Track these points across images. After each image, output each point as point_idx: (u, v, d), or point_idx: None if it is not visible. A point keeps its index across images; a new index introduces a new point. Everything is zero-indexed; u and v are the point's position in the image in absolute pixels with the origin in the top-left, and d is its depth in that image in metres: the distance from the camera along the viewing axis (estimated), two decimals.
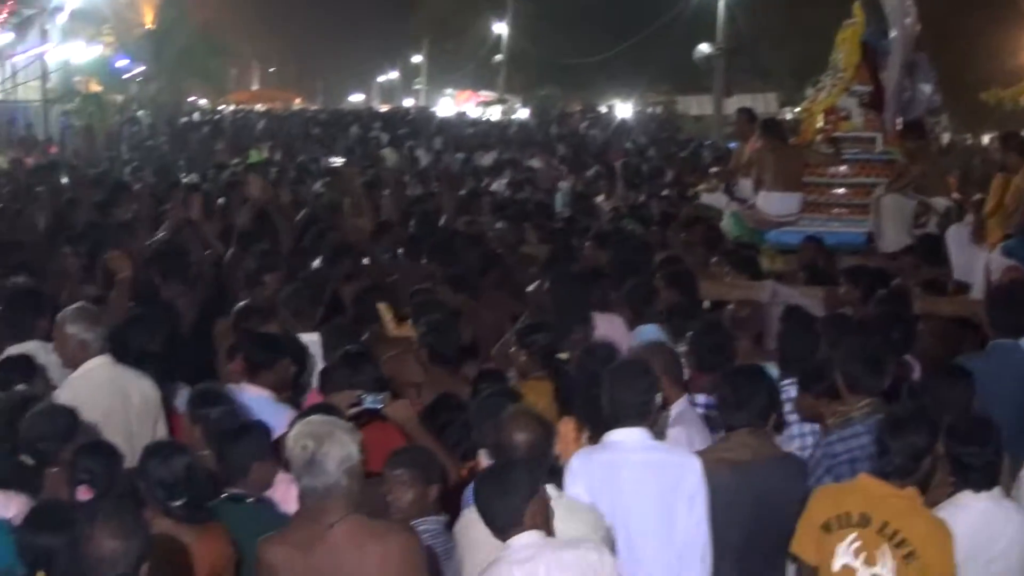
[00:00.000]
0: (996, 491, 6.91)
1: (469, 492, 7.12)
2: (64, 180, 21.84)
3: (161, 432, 8.27)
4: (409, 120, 53.64)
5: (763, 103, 50.68)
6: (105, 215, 15.64)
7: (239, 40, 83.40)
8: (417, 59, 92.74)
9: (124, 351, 9.10)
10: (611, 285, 11.34)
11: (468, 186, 22.82)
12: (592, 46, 62.01)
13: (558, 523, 6.17)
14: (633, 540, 6.79)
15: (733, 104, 44.07)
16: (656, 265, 12.38)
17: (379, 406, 7.58)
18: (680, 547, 6.88)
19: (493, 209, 18.47)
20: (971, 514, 6.77)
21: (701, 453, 7.15)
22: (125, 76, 57.35)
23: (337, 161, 29.49)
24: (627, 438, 6.97)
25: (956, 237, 13.78)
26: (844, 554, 6.57)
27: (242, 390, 8.82)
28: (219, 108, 64.74)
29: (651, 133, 47.84)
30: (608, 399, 7.11)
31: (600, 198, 21.71)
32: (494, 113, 68.02)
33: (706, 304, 11.98)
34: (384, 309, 10.66)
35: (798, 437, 8.41)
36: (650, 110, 66.26)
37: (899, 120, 15.86)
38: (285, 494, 7.24)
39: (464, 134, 43.56)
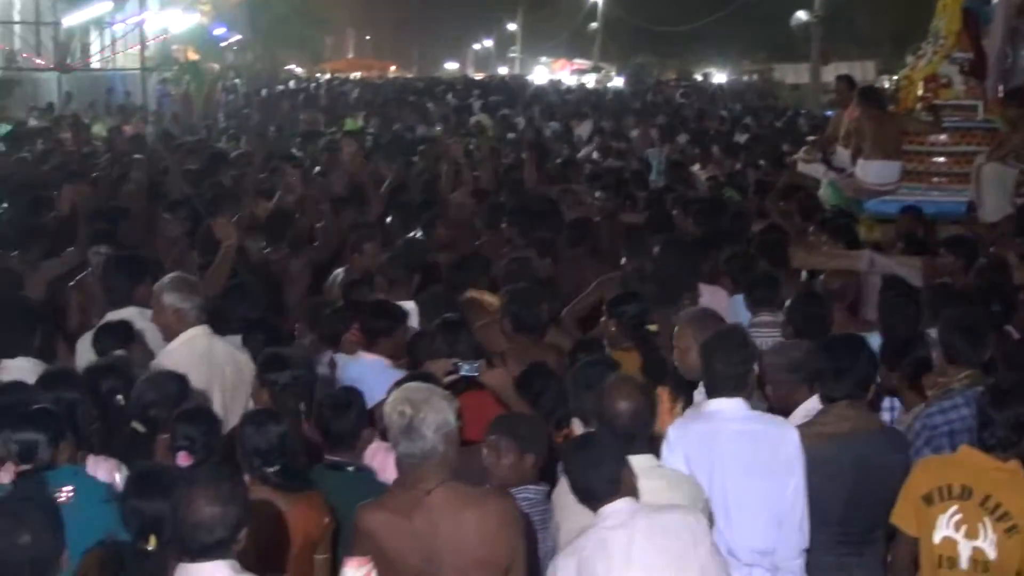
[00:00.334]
0: None
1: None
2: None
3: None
4: (504, 88, 53.51)
5: (861, 71, 50.15)
6: (203, 183, 15.77)
7: (334, 8, 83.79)
8: (512, 27, 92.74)
9: (225, 318, 9.20)
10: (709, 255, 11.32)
11: (564, 154, 22.80)
12: (687, 13, 61.72)
13: (658, 493, 6.15)
14: (731, 510, 6.76)
15: (830, 72, 43.80)
16: (754, 234, 12.33)
17: (475, 374, 7.58)
18: (778, 517, 6.85)
19: (590, 178, 18.43)
20: None
21: (801, 428, 7.10)
22: (222, 44, 57.78)
23: (433, 130, 29.47)
24: (724, 408, 6.94)
25: None
26: (945, 526, 6.50)
27: (358, 358, 8.88)
28: (317, 76, 64.98)
29: (747, 102, 47.53)
30: (705, 369, 7.09)
31: (696, 167, 21.63)
32: (588, 81, 67.79)
33: (803, 274, 11.92)
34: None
35: (888, 411, 8.36)
36: (746, 78, 65.86)
37: (1000, 88, 15.67)
38: (383, 463, 7.27)
39: (558, 102, 43.38)
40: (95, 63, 43.48)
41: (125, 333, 8.65)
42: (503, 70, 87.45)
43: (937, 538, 6.52)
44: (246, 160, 18.95)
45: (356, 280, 10.42)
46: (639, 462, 6.26)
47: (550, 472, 7.16)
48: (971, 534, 6.44)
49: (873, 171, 15.33)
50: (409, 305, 9.79)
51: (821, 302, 9.37)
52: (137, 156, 18.58)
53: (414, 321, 9.62)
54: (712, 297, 10.27)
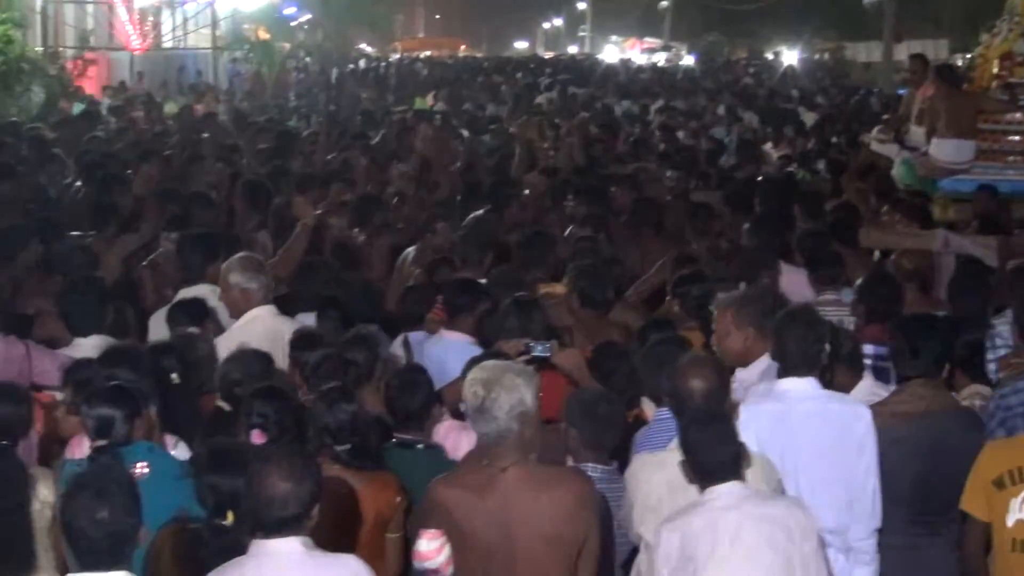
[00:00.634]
0: None
1: (639, 438, 7.15)
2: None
3: None
4: (574, 67, 53.41)
5: (933, 49, 49.72)
6: (274, 162, 15.86)
7: None
8: (582, 6, 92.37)
9: (299, 297, 9.26)
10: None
11: (637, 133, 22.77)
12: None
13: None
14: (802, 490, 6.73)
15: (903, 51, 43.43)
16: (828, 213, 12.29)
17: (547, 354, 7.56)
18: (850, 496, 6.84)
19: (661, 156, 18.41)
20: None
21: (875, 407, 7.06)
22: (292, 23, 57.91)
23: (503, 109, 29.46)
24: (796, 387, 6.91)
25: None
26: (1018, 510, 6.42)
27: (441, 337, 8.91)
28: (390, 55, 65.10)
29: (818, 80, 47.21)
30: (776, 348, 7.06)
31: (768, 145, 21.56)
32: (659, 60, 67.52)
33: (876, 254, 11.86)
34: None
35: None
36: (817, 57, 65.36)
37: None
38: (456, 442, 7.29)
39: (628, 81, 43.24)
40: (167, 43, 43.63)
41: (199, 311, 8.72)
42: (573, 49, 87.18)
43: (1010, 521, 6.44)
44: (315, 140, 19.04)
45: (439, 259, 10.42)
46: None
47: (620, 451, 7.17)
48: None
49: (947, 150, 15.16)
50: None
51: (893, 282, 9.32)
52: (207, 135, 18.70)
53: None
54: (790, 276, 10.24)
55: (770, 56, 66.09)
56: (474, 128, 22.99)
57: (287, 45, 53.81)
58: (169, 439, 7.01)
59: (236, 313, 8.68)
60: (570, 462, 6.88)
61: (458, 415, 7.71)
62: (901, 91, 24.38)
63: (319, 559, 5.43)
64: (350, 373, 7.77)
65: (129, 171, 15.03)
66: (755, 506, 5.95)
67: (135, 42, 39.35)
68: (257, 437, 6.58)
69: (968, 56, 23.78)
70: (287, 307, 9.54)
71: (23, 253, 10.29)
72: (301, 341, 7.97)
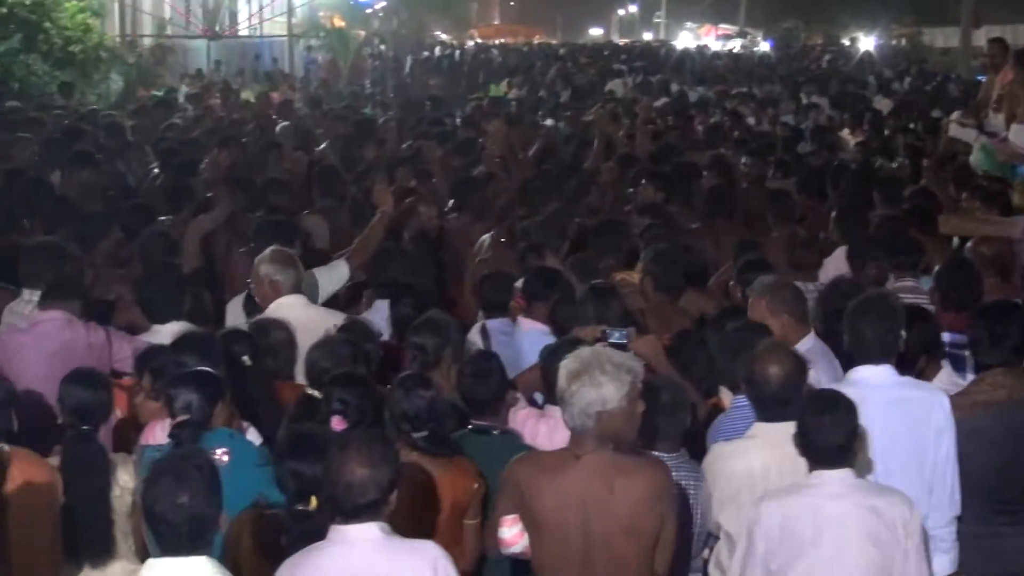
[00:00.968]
0: None
1: (715, 427, 7.12)
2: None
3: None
4: (648, 54, 53.25)
5: (1012, 34, 49.17)
6: (350, 149, 15.91)
7: None
8: None
9: (374, 283, 9.27)
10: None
11: (716, 118, 22.70)
12: None
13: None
14: (879, 477, 6.69)
15: (981, 36, 42.92)
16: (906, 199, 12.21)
17: (624, 341, 7.52)
18: (929, 483, 6.80)
19: (738, 143, 18.32)
20: None
21: (955, 397, 7.01)
22: (368, 11, 58.02)
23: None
24: (872, 375, 6.86)
25: None
26: None
27: (520, 324, 8.93)
28: (466, 43, 65.12)
29: (896, 66, 46.82)
30: (851, 336, 7.02)
31: (844, 132, 21.41)
32: (734, 47, 67.15)
33: (955, 241, 11.76)
34: None
35: None
36: (894, 43, 64.81)
37: None
38: (534, 429, 7.28)
39: (700, 68, 43.04)
40: (243, 31, 43.86)
41: None
42: (648, 36, 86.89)
43: None
44: (390, 127, 19.10)
45: (529, 246, 10.42)
46: (790, 428, 6.21)
47: (696, 440, 7.16)
48: None
49: None
50: None
51: (972, 269, 9.24)
52: (285, 123, 18.78)
53: None
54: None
55: (846, 42, 65.60)
56: (549, 114, 22.97)
57: (362, 33, 53.90)
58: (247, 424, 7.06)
59: (265, 303, 8.74)
60: None
61: (533, 403, 7.74)
62: (980, 77, 24.18)
63: (398, 545, 5.46)
64: (417, 359, 7.81)
65: (204, 158, 15.13)
66: (863, 497, 5.92)
67: (215, 26, 39.60)
68: (337, 423, 6.60)
69: None
70: (363, 294, 9.61)
71: (103, 241, 10.35)
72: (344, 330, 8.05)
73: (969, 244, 10.67)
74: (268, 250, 8.90)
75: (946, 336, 8.26)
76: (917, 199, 12.29)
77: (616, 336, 7.47)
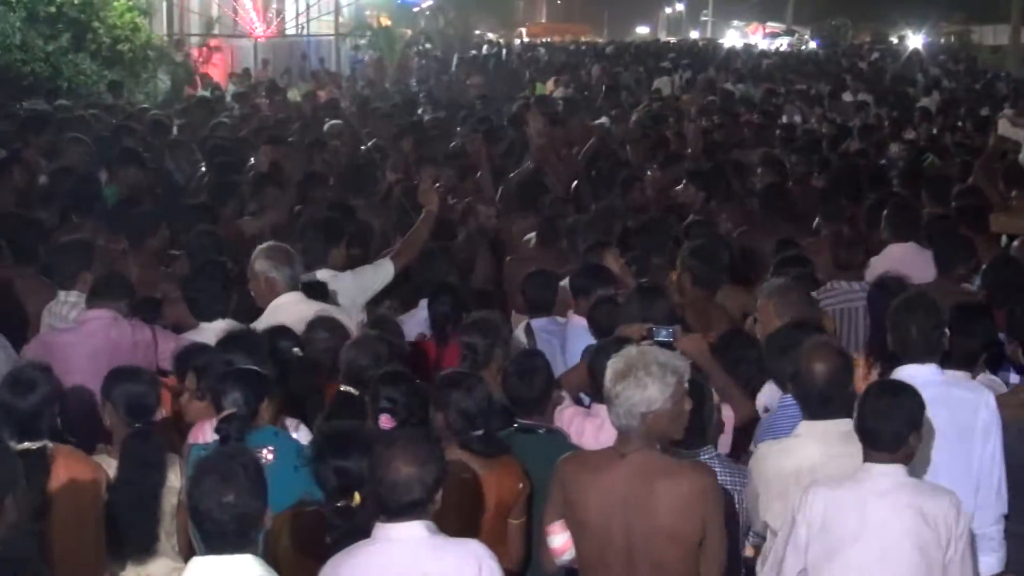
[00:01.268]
0: None
1: (762, 426, 7.09)
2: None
3: None
4: (695, 52, 53.18)
5: None
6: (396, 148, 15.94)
7: None
8: None
9: (416, 283, 9.28)
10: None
11: (763, 115, 22.65)
12: None
13: (858, 457, 6.04)
14: (927, 475, 6.66)
15: None
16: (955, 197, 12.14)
17: (670, 339, 7.48)
18: (976, 482, 6.78)
19: (785, 141, 18.26)
20: None
21: (1003, 396, 6.98)
22: (414, 9, 58.18)
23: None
24: (917, 374, 6.81)
25: None
26: None
27: (570, 319, 8.95)
28: (514, 41, 65.28)
29: (944, 64, 46.60)
30: (896, 335, 6.99)
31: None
32: (781, 45, 66.99)
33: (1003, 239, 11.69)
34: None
35: None
36: (943, 40, 64.51)
37: None
38: (580, 427, 7.26)
39: (746, 67, 42.92)
40: (290, 30, 43.98)
41: (318, 295, 8.78)
42: (694, 34, 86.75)
43: None
44: (437, 125, 19.10)
45: (598, 243, 10.40)
46: (838, 426, 6.21)
47: (742, 439, 7.13)
48: None
49: None
50: None
51: (1018, 267, 9.18)
52: (334, 122, 18.80)
53: None
54: (918, 259, 10.16)
55: (895, 40, 65.34)
56: (595, 113, 22.95)
57: (409, 31, 54.04)
58: (290, 422, 7.06)
59: (262, 301, 8.71)
60: None
61: (579, 401, 7.72)
62: None
63: (443, 543, 5.46)
64: (467, 359, 7.80)
65: (251, 156, 15.19)
66: (910, 497, 5.88)
67: (259, 29, 39.70)
68: (386, 422, 6.61)
69: None
70: (409, 294, 9.62)
71: (150, 239, 10.39)
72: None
73: (1016, 243, 10.61)
74: (263, 246, 8.88)
75: None
76: (966, 197, 12.21)
77: (663, 334, 7.44)
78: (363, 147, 17.00)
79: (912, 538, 5.82)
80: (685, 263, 9.53)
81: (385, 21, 50.63)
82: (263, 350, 7.31)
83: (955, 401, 6.84)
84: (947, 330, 7.00)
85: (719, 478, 6.27)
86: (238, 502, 4.97)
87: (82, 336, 8.35)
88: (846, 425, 6.27)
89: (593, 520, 5.95)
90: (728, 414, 7.33)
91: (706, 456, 6.73)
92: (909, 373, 6.84)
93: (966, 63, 47.13)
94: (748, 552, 6.77)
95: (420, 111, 23.28)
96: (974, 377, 7.28)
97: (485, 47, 56.45)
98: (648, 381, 5.82)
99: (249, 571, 5.06)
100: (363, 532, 5.53)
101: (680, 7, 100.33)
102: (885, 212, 10.91)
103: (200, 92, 27.81)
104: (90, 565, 6.49)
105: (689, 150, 16.51)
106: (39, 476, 6.18)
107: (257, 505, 5.04)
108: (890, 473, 5.90)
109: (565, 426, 7.31)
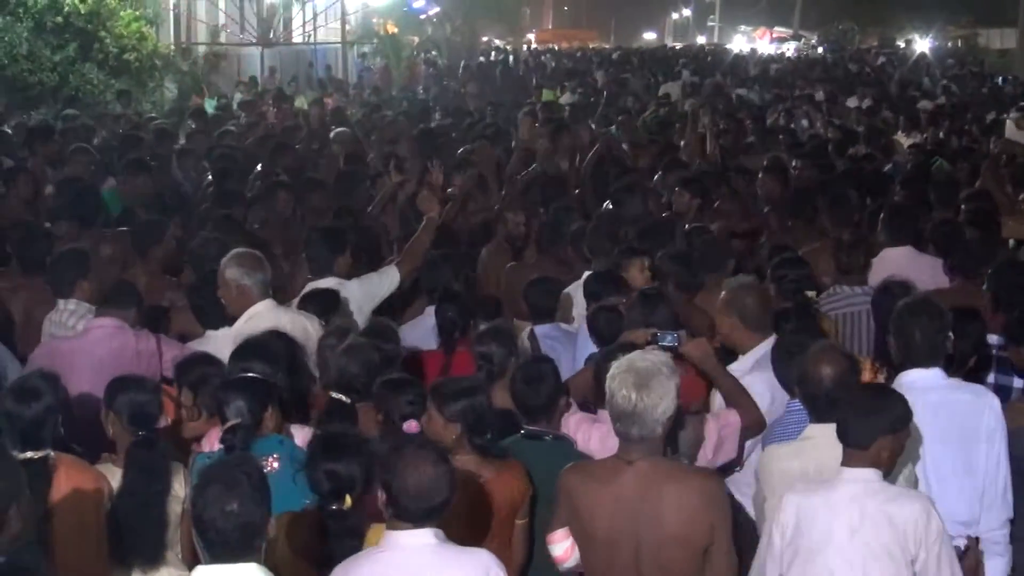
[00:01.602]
0: None
1: (768, 431, 7.08)
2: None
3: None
4: (703, 57, 53.20)
5: None
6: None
7: None
8: None
9: (429, 288, 9.29)
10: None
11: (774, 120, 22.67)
12: None
13: None
14: (931, 481, 6.70)
15: None
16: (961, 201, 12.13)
17: (675, 344, 7.46)
18: (981, 485, 6.78)
19: (790, 146, 18.21)
20: None
21: (1013, 403, 6.97)
22: (421, 17, 58.21)
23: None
24: (921, 378, 6.86)
25: None
26: None
27: (581, 326, 8.96)
28: (522, 47, 65.35)
29: (951, 68, 46.56)
30: (900, 340, 6.99)
31: (899, 134, 21.30)
32: (787, 50, 66.99)
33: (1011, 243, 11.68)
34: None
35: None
36: (950, 44, 64.47)
37: None
38: (587, 434, 7.24)
39: (752, 72, 42.93)
40: (296, 37, 44.03)
41: (329, 302, 8.77)
42: (701, 40, 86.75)
43: None
44: (444, 132, 19.11)
45: (626, 248, 10.40)
46: None
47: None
48: None
49: None
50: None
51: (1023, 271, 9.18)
52: (340, 129, 18.81)
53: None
54: (921, 264, 10.16)
55: (901, 44, 65.30)
56: (601, 120, 22.95)
57: (415, 39, 54.10)
58: (296, 429, 7.05)
59: (234, 309, 8.64)
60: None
61: (583, 406, 7.70)
62: None
63: (452, 552, 5.48)
64: (483, 369, 7.80)
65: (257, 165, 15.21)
66: (880, 503, 5.86)
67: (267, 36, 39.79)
68: (413, 427, 6.64)
69: None
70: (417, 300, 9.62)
71: (155, 247, 10.40)
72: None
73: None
74: (232, 253, 8.80)
75: (994, 338, 8.25)
76: (976, 201, 12.20)
77: (668, 339, 7.41)
78: (369, 155, 16.98)
79: (880, 544, 5.80)
80: (665, 267, 9.58)
81: (392, 29, 50.73)
82: (280, 358, 7.32)
83: (960, 405, 6.85)
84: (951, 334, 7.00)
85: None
86: (242, 511, 4.96)
87: (85, 345, 8.36)
88: None
89: (602, 529, 5.94)
90: (734, 419, 7.31)
91: None
92: (913, 377, 6.85)
93: (970, 67, 47.07)
94: None
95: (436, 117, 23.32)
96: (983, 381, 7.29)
97: (493, 54, 56.50)
98: (669, 385, 5.85)
99: None
100: (355, 535, 5.55)
101: (687, 12, 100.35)
102: (882, 216, 10.92)
103: (207, 101, 27.83)
104: (93, 575, 6.48)
105: (685, 156, 16.47)
106: (41, 485, 6.18)
107: (261, 514, 5.03)
108: (862, 478, 5.89)
109: (571, 433, 7.29)
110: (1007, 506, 6.78)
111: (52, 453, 6.42)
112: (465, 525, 6.14)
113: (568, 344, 8.91)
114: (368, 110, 24.63)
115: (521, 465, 6.74)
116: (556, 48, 65.62)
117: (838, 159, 16.82)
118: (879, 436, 5.88)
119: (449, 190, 12.62)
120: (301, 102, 28.26)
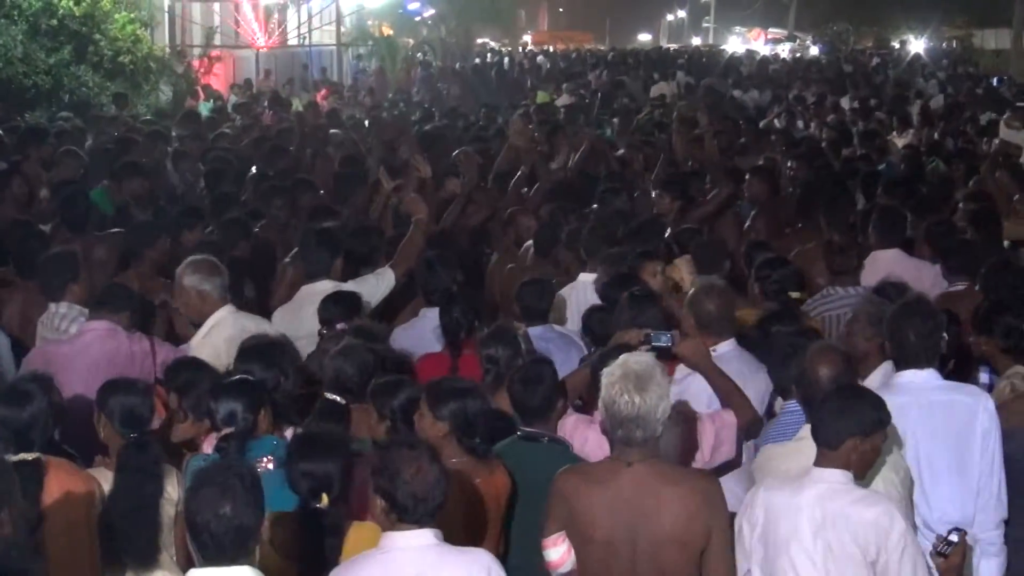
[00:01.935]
0: None
1: (769, 429, 7.07)
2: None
3: None
4: (698, 58, 53.20)
5: None
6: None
7: None
8: None
9: (426, 290, 9.29)
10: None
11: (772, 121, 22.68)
12: None
13: None
14: (926, 482, 6.72)
15: None
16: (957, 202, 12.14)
17: (669, 344, 7.46)
18: (975, 486, 6.79)
19: (785, 147, 18.22)
20: None
21: (1008, 403, 6.97)
22: (416, 19, 58.12)
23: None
24: (915, 379, 6.88)
25: None
26: None
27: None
28: (518, 49, 65.34)
29: (946, 69, 46.58)
30: (894, 341, 7.00)
31: (893, 135, 21.31)
32: (783, 51, 66.97)
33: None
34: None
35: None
36: (945, 45, 64.48)
37: None
38: (584, 436, 7.24)
39: (747, 73, 42.91)
40: (292, 40, 43.98)
41: (352, 305, 8.76)
42: (696, 41, 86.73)
43: None
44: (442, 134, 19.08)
45: (641, 253, 10.41)
46: None
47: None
48: None
49: None
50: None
51: (1018, 272, 9.17)
52: (334, 131, 18.79)
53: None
54: (907, 266, 10.16)
55: (896, 45, 65.32)
56: (596, 121, 22.96)
57: (410, 41, 54.03)
58: (291, 431, 7.04)
59: (194, 315, 8.68)
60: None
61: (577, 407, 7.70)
62: None
63: (452, 552, 5.49)
64: (490, 372, 7.79)
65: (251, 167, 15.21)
66: (842, 504, 5.85)
67: (260, 39, 39.71)
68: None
69: None
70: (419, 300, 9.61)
71: (150, 250, 10.38)
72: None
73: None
74: (189, 260, 8.83)
75: None
76: (976, 201, 12.19)
77: (662, 339, 7.41)
78: (367, 157, 16.96)
79: (840, 545, 5.80)
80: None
81: (387, 31, 50.66)
82: (284, 360, 7.32)
83: (953, 406, 6.86)
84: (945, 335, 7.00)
85: None
86: (235, 514, 4.95)
87: (79, 348, 8.35)
88: None
89: (600, 532, 5.94)
90: (731, 420, 7.31)
91: None
92: (908, 378, 6.86)
93: (964, 67, 47.11)
94: None
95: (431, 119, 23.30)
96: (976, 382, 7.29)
97: (488, 56, 56.46)
98: (665, 383, 5.90)
99: None
100: (336, 533, 5.56)
101: (682, 14, 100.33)
102: (871, 218, 10.92)
103: (203, 104, 27.81)
104: None
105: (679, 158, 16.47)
106: (33, 489, 6.18)
107: (254, 517, 5.02)
108: (829, 479, 5.90)
109: (568, 435, 7.28)
110: (1002, 507, 6.78)
111: (43, 457, 6.42)
112: (462, 527, 6.15)
113: (562, 346, 8.88)
114: (368, 113, 24.62)
115: (503, 463, 6.75)
116: (551, 50, 65.54)
117: (834, 160, 16.82)
118: (847, 438, 5.88)
119: (441, 194, 12.61)
120: (296, 104, 28.24)
